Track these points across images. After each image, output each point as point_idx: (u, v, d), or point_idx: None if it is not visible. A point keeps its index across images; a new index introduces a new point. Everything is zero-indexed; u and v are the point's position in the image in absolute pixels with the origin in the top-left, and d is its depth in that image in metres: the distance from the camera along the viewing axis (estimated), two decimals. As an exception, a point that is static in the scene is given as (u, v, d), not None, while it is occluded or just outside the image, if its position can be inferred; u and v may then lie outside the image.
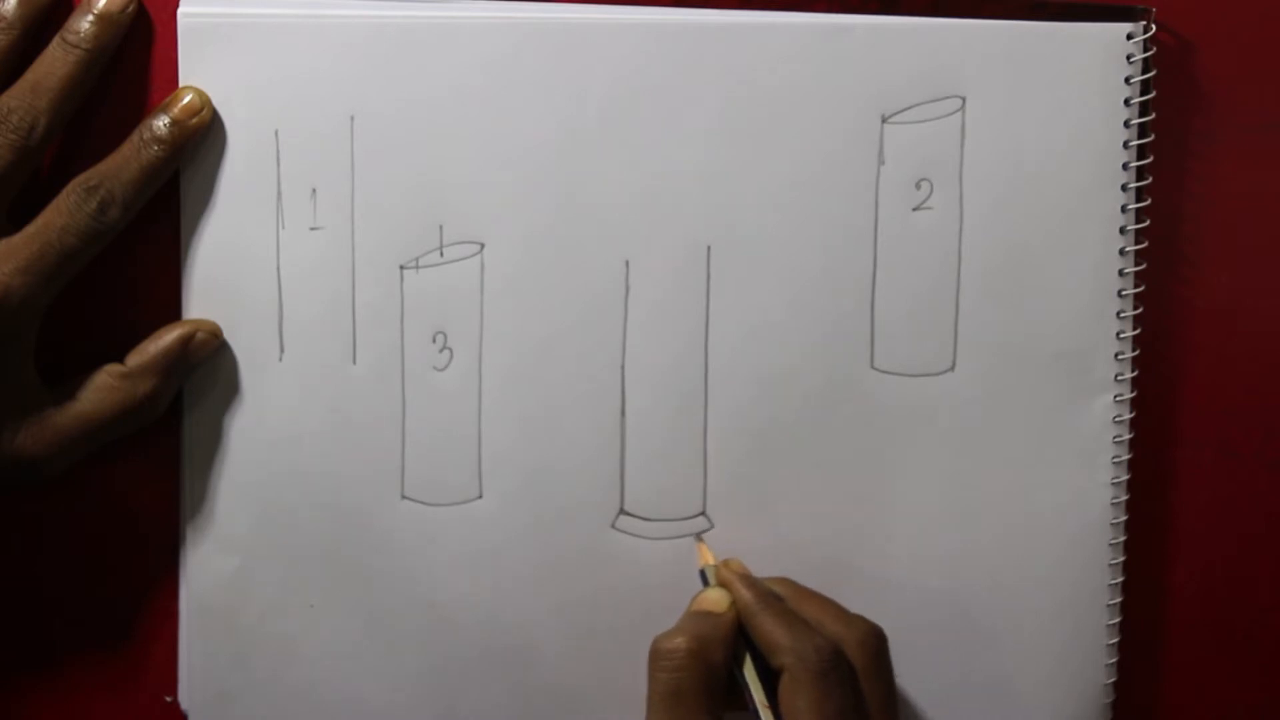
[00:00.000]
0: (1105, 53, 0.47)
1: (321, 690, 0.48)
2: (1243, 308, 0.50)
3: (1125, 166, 0.48)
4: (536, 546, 0.47)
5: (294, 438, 0.46)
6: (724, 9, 0.46)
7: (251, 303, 0.46)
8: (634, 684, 0.47)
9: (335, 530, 0.47)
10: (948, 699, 0.49)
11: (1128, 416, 0.49)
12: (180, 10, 0.45)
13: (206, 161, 0.45)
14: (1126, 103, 0.47)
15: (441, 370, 0.47)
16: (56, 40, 0.43)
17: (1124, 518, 0.49)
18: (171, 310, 0.46)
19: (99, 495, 0.47)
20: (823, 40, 0.46)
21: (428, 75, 0.45)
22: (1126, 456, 0.49)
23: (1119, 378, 0.48)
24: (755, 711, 0.42)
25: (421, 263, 0.46)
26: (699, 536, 0.48)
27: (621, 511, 0.48)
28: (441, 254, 0.46)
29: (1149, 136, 0.47)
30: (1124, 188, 0.48)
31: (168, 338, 0.45)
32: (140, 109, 0.45)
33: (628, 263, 0.47)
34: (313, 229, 0.46)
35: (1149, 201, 0.48)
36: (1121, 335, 0.48)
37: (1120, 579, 0.49)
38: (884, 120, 0.47)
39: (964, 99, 0.47)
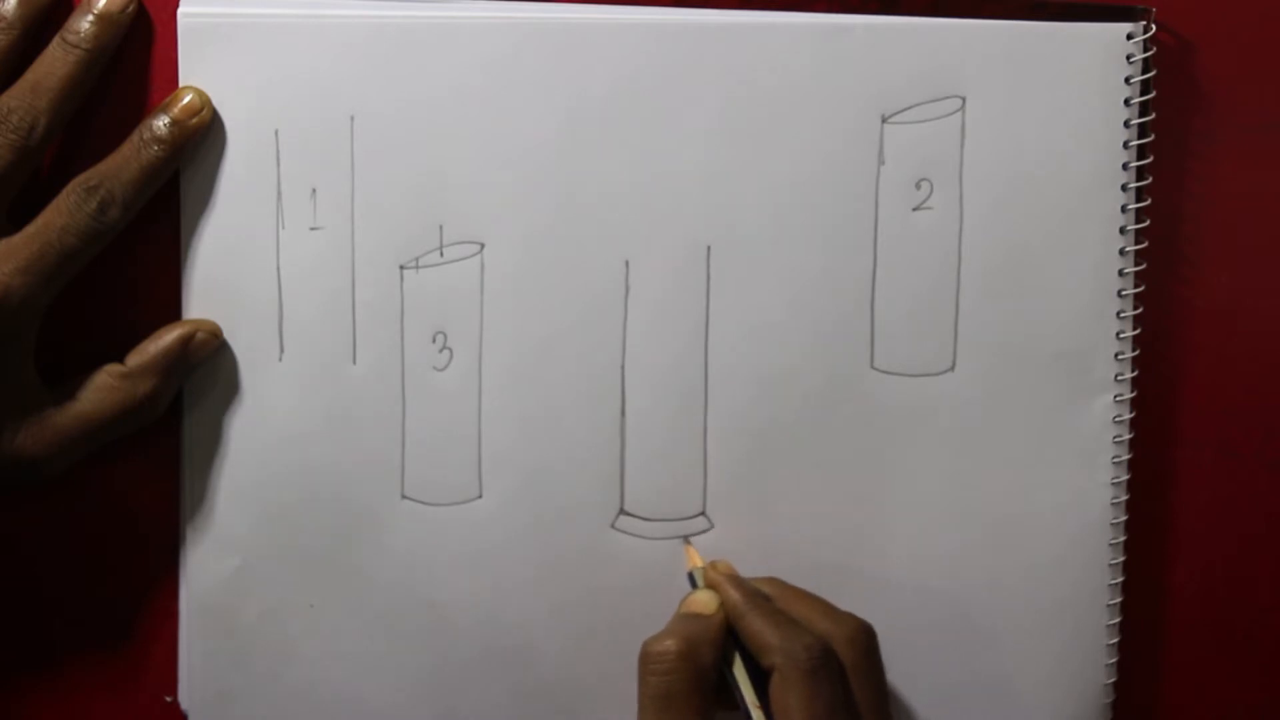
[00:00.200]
0: (1105, 53, 0.47)
1: (321, 690, 0.48)
2: (1243, 308, 0.50)
3: (1125, 166, 0.48)
4: (536, 546, 0.47)
5: (294, 438, 0.46)
6: (724, 9, 0.46)
7: (251, 303, 0.46)
8: (633, 684, 0.47)
9: (335, 530, 0.47)
10: (948, 699, 0.49)
11: (1128, 416, 0.49)
12: (180, 10, 0.45)
13: (206, 161, 0.45)
14: (1126, 103, 0.47)
15: (441, 370, 0.47)
16: (56, 40, 0.43)
17: (1124, 518, 0.49)
18: (171, 310, 0.46)
19: (99, 495, 0.47)
20: (823, 40, 0.46)
21: (428, 75, 0.45)
22: (1126, 456, 0.49)
23: (1119, 378, 0.48)
24: (746, 712, 0.42)
25: (421, 263, 0.46)
26: (687, 539, 0.48)
27: (621, 511, 0.48)
28: (441, 254, 0.46)
29: (1149, 136, 0.47)
30: (1124, 188, 0.48)
31: (168, 338, 0.45)
32: (140, 109, 0.45)
33: (628, 263, 0.47)
34: (313, 229, 0.46)
35: (1149, 201, 0.48)
36: (1121, 335, 0.48)
37: (1120, 579, 0.49)
38: (884, 120, 0.47)
39: (964, 99, 0.47)
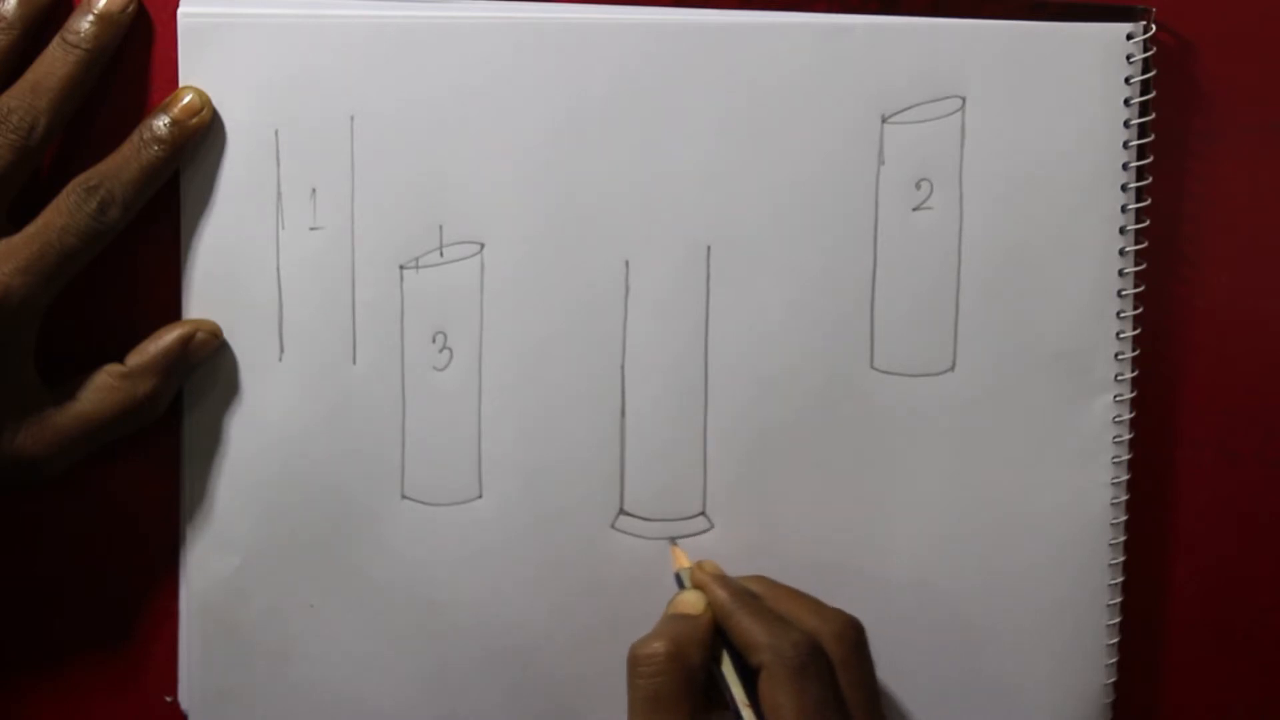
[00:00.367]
0: (1105, 53, 0.47)
1: (321, 690, 0.48)
2: (1243, 308, 0.50)
3: (1125, 166, 0.48)
4: (536, 546, 0.47)
5: (294, 438, 0.46)
6: (724, 9, 0.46)
7: (251, 303, 0.46)
8: (634, 684, 0.47)
9: (335, 530, 0.47)
10: (948, 699, 0.49)
11: (1128, 416, 0.49)
12: (180, 10, 0.45)
13: (206, 161, 0.45)
14: (1126, 103, 0.47)
15: (441, 370, 0.47)
16: (56, 40, 0.43)
17: (1124, 518, 0.49)
18: (171, 310, 0.46)
19: (99, 495, 0.47)
20: (823, 40, 0.46)
21: (428, 75, 0.45)
22: (1126, 456, 0.49)
23: (1119, 378, 0.48)
24: (736, 711, 0.42)
25: (421, 263, 0.46)
26: (673, 541, 0.48)
27: (621, 511, 0.48)
28: (441, 254, 0.46)
29: (1149, 136, 0.47)
30: (1124, 188, 0.48)
31: (168, 338, 0.45)
32: (140, 109, 0.45)
33: (628, 263, 0.47)
34: (313, 229, 0.46)
35: (1149, 201, 0.48)
36: (1121, 335, 0.48)
37: (1120, 579, 0.49)
38: (884, 120, 0.47)
39: (964, 99, 0.47)
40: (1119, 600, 0.49)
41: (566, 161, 0.46)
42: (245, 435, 0.46)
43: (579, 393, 0.47)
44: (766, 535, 0.48)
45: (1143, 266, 0.48)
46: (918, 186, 0.47)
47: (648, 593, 0.48)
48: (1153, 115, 0.47)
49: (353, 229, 0.46)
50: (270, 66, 0.45)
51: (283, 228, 0.46)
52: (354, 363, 0.46)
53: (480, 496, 0.47)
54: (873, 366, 0.48)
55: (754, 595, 0.45)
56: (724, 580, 0.45)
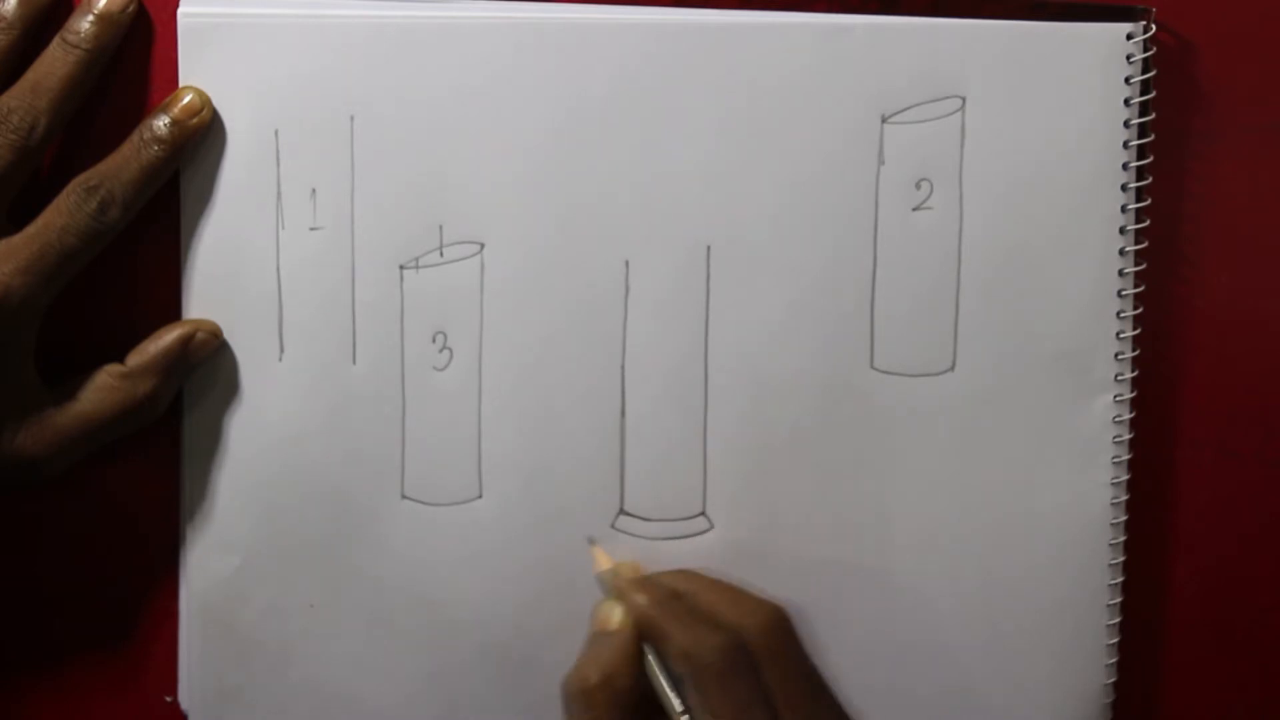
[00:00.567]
0: (1105, 53, 0.47)
1: (321, 690, 0.48)
2: (1243, 308, 0.50)
3: (1125, 166, 0.48)
4: (536, 546, 0.47)
5: (294, 438, 0.46)
6: (724, 9, 0.46)
7: (251, 303, 0.46)
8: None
9: (335, 530, 0.47)
10: (948, 699, 0.49)
11: (1128, 416, 0.49)
12: (180, 10, 0.45)
13: (206, 161, 0.45)
14: (1126, 103, 0.47)
15: (441, 370, 0.47)
16: (56, 40, 0.43)
17: (1124, 518, 0.49)
18: (171, 310, 0.46)
19: (99, 495, 0.47)
20: (823, 40, 0.46)
21: (428, 75, 0.45)
22: (1126, 456, 0.49)
23: (1119, 378, 0.48)
24: (671, 716, 0.42)
25: (421, 263, 0.46)
26: (591, 540, 0.47)
27: (621, 511, 0.48)
28: (441, 254, 0.46)
29: (1149, 136, 0.47)
30: (1124, 188, 0.48)
31: (168, 338, 0.45)
32: (140, 109, 0.45)
33: (628, 263, 0.47)
34: (312, 229, 0.46)
35: (1149, 201, 0.48)
36: (1121, 335, 0.48)
37: (1120, 579, 0.49)
38: (884, 120, 0.47)
39: (964, 99, 0.47)
40: (1119, 600, 0.49)
41: (566, 161, 0.46)
42: (245, 435, 0.46)
43: (579, 393, 0.47)
44: (766, 535, 0.48)
45: (1143, 266, 0.48)
46: (918, 186, 0.47)
47: (648, 593, 0.48)
48: (1153, 115, 0.47)
49: (353, 229, 0.46)
50: (270, 66, 0.45)
51: (283, 228, 0.46)
52: (354, 363, 0.46)
53: (480, 496, 0.47)
54: (873, 366, 0.48)
55: (676, 595, 0.44)
56: (644, 584, 0.44)
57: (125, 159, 0.44)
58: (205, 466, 0.46)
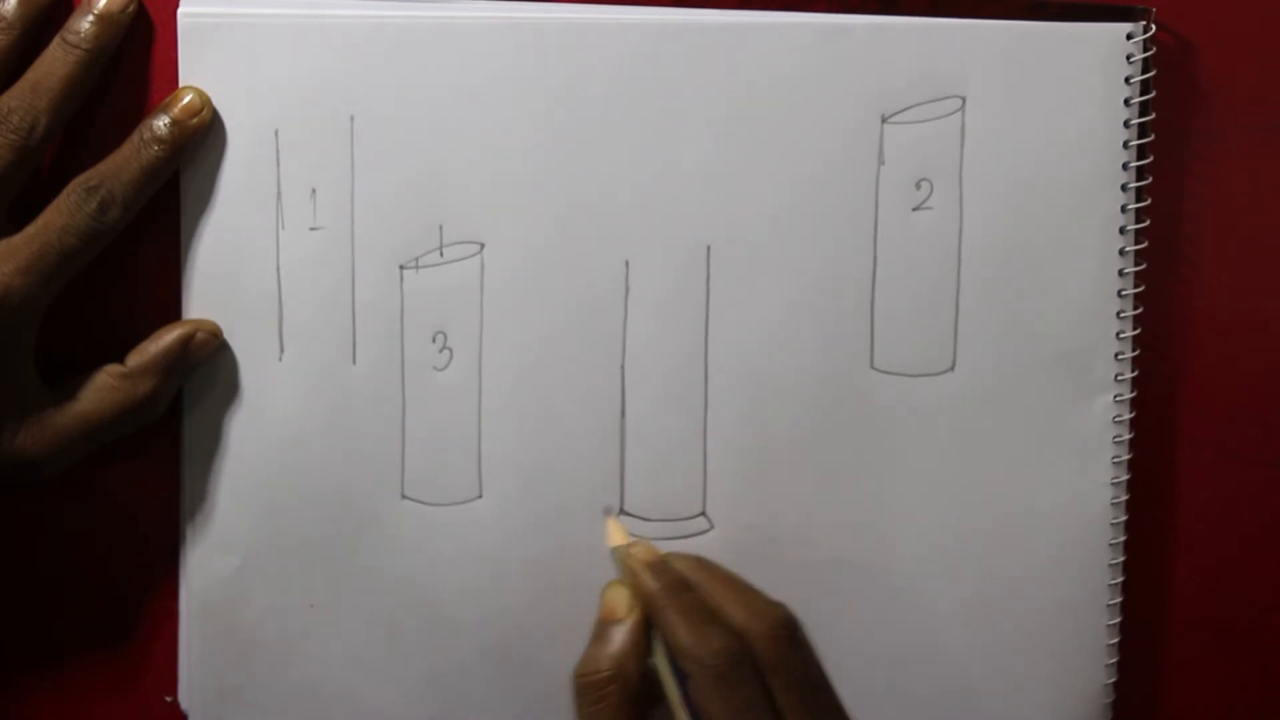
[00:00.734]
0: (1105, 53, 0.47)
1: (322, 690, 0.48)
2: (1243, 308, 0.50)
3: (1125, 166, 0.48)
4: (536, 546, 0.47)
5: (294, 438, 0.46)
6: (724, 9, 0.46)
7: (251, 303, 0.46)
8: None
9: (335, 530, 0.47)
10: (948, 699, 0.49)
11: (1128, 416, 0.49)
12: (180, 10, 0.45)
13: (206, 161, 0.45)
14: (1126, 103, 0.47)
15: (441, 370, 0.47)
16: (56, 40, 0.43)
17: (1124, 518, 0.49)
18: (171, 310, 0.46)
19: (99, 495, 0.47)
20: (823, 40, 0.46)
21: (428, 75, 0.45)
22: (1126, 456, 0.49)
23: (1119, 378, 0.48)
24: (672, 710, 0.42)
25: (421, 263, 0.46)
26: (607, 510, 0.47)
27: (621, 512, 0.48)
28: (441, 254, 0.46)
29: (1149, 136, 0.47)
30: (1124, 188, 0.48)
31: (168, 338, 0.45)
32: (140, 109, 0.45)
33: (628, 263, 0.47)
34: (313, 229, 0.46)
35: (1149, 201, 0.48)
36: (1121, 335, 0.48)
37: (1120, 579, 0.49)
38: (884, 120, 0.47)
39: (964, 99, 0.47)
40: (1119, 600, 0.49)
41: (566, 161, 0.46)
42: (245, 435, 0.46)
43: (579, 393, 0.47)
44: (766, 535, 0.48)
45: (1143, 266, 0.48)
46: (918, 186, 0.47)
47: (648, 593, 0.48)
48: (1153, 115, 0.47)
49: (353, 229, 0.46)
50: (270, 66, 0.45)
51: (283, 228, 0.46)
52: (354, 363, 0.46)
53: (480, 496, 0.47)
54: (873, 366, 0.48)
55: (686, 586, 0.43)
56: (656, 569, 0.44)
57: (125, 159, 0.44)
58: (205, 466, 0.46)
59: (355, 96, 0.45)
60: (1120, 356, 0.48)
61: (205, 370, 0.46)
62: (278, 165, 0.45)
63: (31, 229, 0.43)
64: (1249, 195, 0.50)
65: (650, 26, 0.46)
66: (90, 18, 0.43)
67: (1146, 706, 0.51)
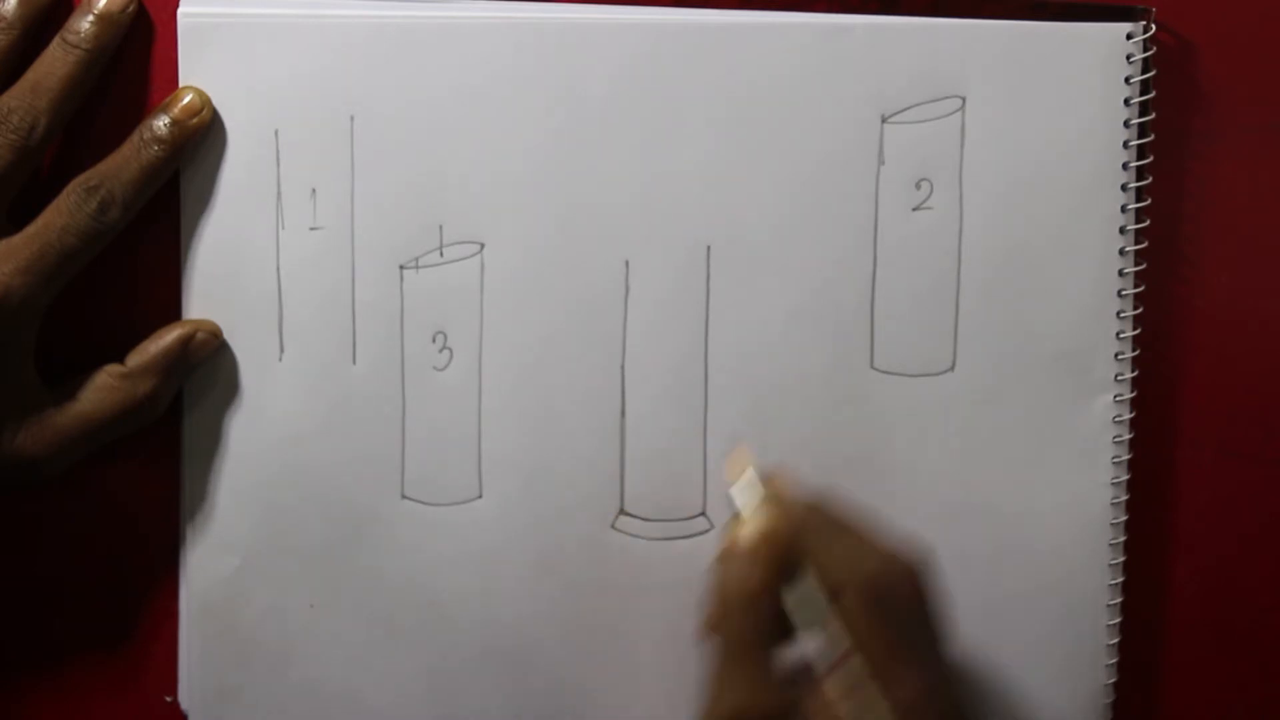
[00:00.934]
0: (1105, 53, 0.47)
1: (322, 690, 0.48)
2: (1243, 308, 0.50)
3: (1125, 166, 0.48)
4: (536, 546, 0.47)
5: (294, 438, 0.46)
6: (724, 9, 0.46)
7: (251, 303, 0.46)
8: (632, 684, 0.47)
9: (335, 530, 0.47)
10: (948, 699, 0.49)
11: (1128, 416, 0.49)
12: (180, 10, 0.45)
13: (206, 161, 0.45)
14: (1126, 103, 0.47)
15: (441, 370, 0.47)
16: (56, 40, 0.43)
17: (1124, 518, 0.49)
18: (171, 310, 0.46)
19: (99, 495, 0.47)
20: (823, 40, 0.46)
21: (428, 75, 0.45)
22: (1126, 456, 0.49)
23: (1119, 378, 0.48)
24: (815, 638, 0.40)
25: (421, 263, 0.46)
26: (740, 443, 0.46)
27: (621, 511, 0.48)
28: (441, 254, 0.46)
29: (1149, 136, 0.47)
30: (1124, 188, 0.48)
31: (168, 338, 0.45)
32: (140, 109, 0.45)
33: (628, 263, 0.47)
34: (313, 229, 0.46)
35: (1149, 201, 0.48)
36: (1121, 335, 0.48)
37: (1120, 579, 0.49)
38: (884, 120, 0.47)
39: (964, 99, 0.47)
40: (1119, 600, 0.49)
41: (566, 161, 0.46)
42: (245, 435, 0.46)
43: (579, 393, 0.47)
44: (766, 535, 0.48)
45: (1143, 266, 0.48)
46: (918, 186, 0.47)
47: (647, 593, 0.48)
48: (1153, 115, 0.47)
49: (353, 229, 0.46)
50: (270, 66, 0.45)
51: (283, 228, 0.46)
52: (354, 363, 0.46)
53: (480, 496, 0.47)
54: (873, 366, 0.48)
55: (833, 512, 0.41)
56: (803, 494, 0.42)
57: (125, 159, 0.44)
58: (205, 466, 0.46)
59: (355, 96, 0.45)
60: (1120, 356, 0.48)
61: (205, 370, 0.46)
62: (278, 165, 0.45)
63: (31, 229, 0.43)
64: (1249, 195, 0.50)
65: (650, 26, 0.46)
66: (90, 18, 0.43)
67: (1146, 707, 0.51)
